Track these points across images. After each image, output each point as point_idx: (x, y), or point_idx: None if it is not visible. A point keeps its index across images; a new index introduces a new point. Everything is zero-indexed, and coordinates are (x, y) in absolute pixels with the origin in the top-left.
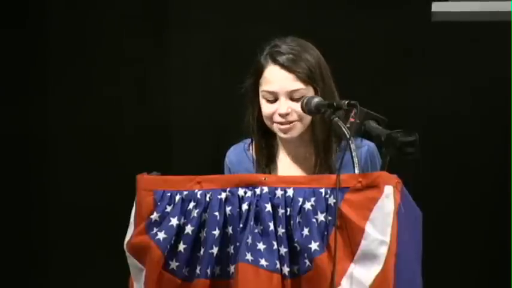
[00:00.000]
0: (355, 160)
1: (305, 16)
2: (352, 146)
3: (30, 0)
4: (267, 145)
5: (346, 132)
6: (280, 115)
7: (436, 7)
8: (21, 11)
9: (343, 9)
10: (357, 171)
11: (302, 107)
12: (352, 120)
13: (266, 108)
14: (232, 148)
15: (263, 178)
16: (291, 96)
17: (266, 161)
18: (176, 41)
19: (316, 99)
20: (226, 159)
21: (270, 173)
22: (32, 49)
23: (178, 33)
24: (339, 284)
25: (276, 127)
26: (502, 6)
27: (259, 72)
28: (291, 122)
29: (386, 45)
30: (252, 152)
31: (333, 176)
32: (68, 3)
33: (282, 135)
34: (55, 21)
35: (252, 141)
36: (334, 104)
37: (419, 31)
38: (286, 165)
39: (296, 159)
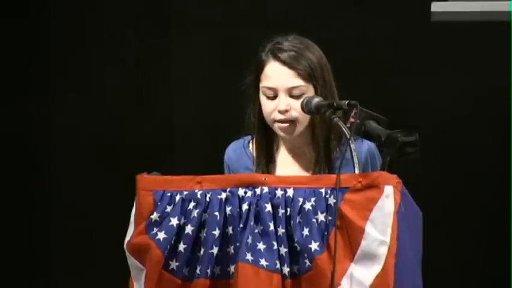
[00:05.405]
0: (355, 160)
1: (305, 16)
2: (352, 146)
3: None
4: (267, 142)
5: (346, 132)
6: (280, 112)
7: (435, 7)
8: (22, 10)
9: (342, 9)
10: (357, 171)
11: (302, 107)
12: (352, 120)
13: (266, 105)
14: (231, 145)
15: (263, 178)
16: (291, 93)
17: (266, 158)
18: (177, 40)
19: (316, 99)
20: (225, 156)
21: (269, 170)
22: (33, 49)
23: (180, 32)
24: (339, 284)
25: (276, 126)
26: (502, 6)
27: (260, 69)
28: (290, 121)
29: (385, 45)
30: (251, 149)
31: (333, 176)
32: (68, 3)
33: (282, 134)
34: (56, 20)
35: (252, 138)
36: (334, 104)
37: (419, 31)
38: (286, 163)
39: (296, 157)
